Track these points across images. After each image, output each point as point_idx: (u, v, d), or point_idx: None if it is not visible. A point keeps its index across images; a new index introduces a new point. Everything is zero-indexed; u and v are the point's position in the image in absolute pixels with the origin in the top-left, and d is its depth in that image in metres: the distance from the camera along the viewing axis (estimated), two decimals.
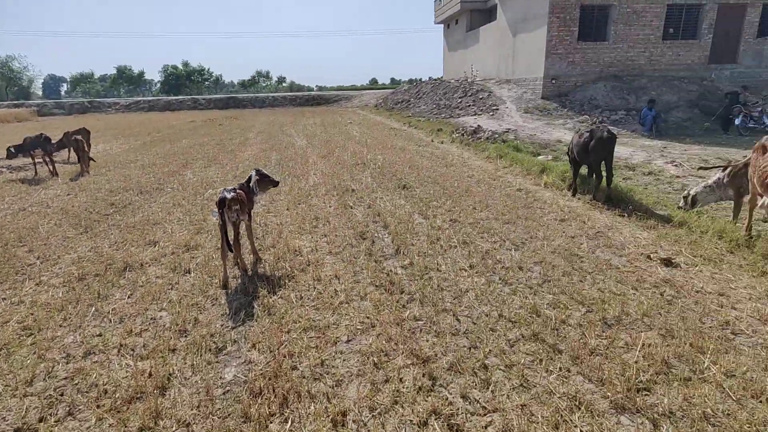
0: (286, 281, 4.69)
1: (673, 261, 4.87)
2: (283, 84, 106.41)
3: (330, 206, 7.56)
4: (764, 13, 19.35)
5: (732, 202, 6.01)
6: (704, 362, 3.15)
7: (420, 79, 35.07)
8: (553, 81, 19.62)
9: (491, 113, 20.10)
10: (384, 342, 3.57)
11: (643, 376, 3.05)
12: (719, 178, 5.98)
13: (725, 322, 3.69)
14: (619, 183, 8.04)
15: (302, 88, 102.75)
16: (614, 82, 19.41)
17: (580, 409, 2.79)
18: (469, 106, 22.36)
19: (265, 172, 5.45)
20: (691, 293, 4.20)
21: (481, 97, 22.84)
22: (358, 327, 3.82)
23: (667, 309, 3.92)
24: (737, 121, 15.34)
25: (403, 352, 3.43)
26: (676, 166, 10.65)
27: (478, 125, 16.19)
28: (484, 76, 26.35)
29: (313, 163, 11.69)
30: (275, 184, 5.47)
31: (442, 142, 15.07)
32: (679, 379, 3.01)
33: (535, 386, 3.03)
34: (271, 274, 4.89)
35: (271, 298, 4.35)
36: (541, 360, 3.28)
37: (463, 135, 15.40)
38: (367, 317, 3.96)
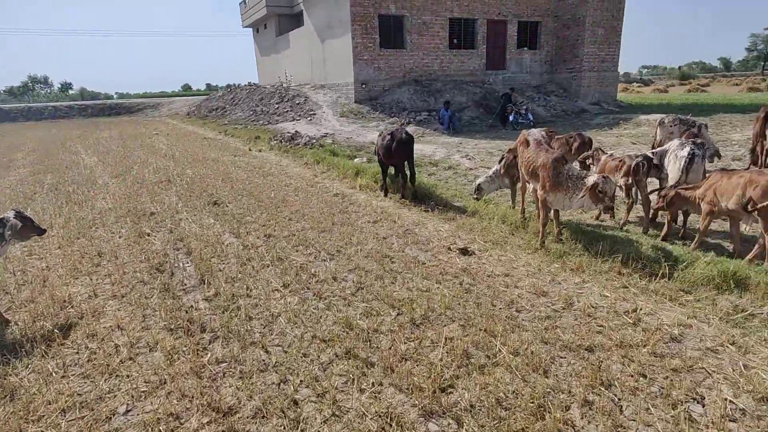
0: (44, 347, 3.65)
1: (468, 250, 5.33)
2: (71, 91, 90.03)
3: (120, 236, 6.37)
4: (520, 29, 23.59)
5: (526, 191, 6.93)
6: (496, 346, 3.41)
7: (238, 85, 33.27)
8: (363, 85, 20.58)
9: (309, 118, 20.10)
10: (176, 401, 2.98)
11: (447, 372, 3.13)
12: (497, 169, 6.85)
13: (510, 301, 4.11)
14: (424, 179, 8.66)
15: (98, 95, 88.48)
16: (416, 86, 21.32)
17: (391, 425, 2.69)
18: (287, 111, 22.01)
19: (29, 215, 4.21)
20: (483, 278, 4.61)
21: (298, 102, 22.69)
22: (143, 389, 3.13)
23: (466, 298, 4.21)
24: (511, 118, 18.32)
25: (199, 409, 2.90)
26: (469, 159, 12.08)
27: (296, 131, 15.96)
28: (300, 82, 26.30)
29: (103, 185, 9.87)
30: (40, 232, 4.27)
31: (260, 150, 14.39)
32: (476, 368, 3.17)
33: (347, 412, 2.84)
34: (21, 341, 3.75)
35: (16, 376, 3.30)
36: (354, 379, 3.12)
37: (281, 142, 14.97)
38: (156, 373, 3.28)
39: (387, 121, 19.20)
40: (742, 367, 3.05)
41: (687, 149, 5.85)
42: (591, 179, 4.77)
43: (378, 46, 20.35)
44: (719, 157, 9.55)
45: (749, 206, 4.38)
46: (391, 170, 8.47)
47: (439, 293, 4.28)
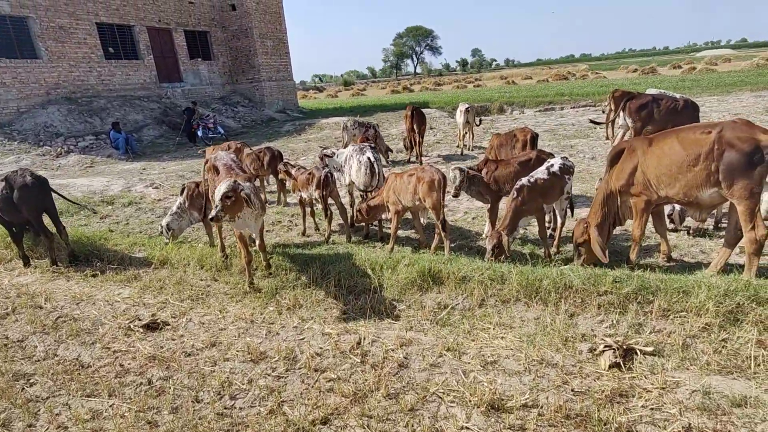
0: None
1: (158, 321, 4.01)
2: None
3: None
4: (188, 38, 22.02)
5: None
6: None
7: None
8: None
9: None
10: None
11: None
12: (181, 202, 5.63)
13: (221, 386, 3.12)
14: (91, 229, 6.53)
15: None
16: (70, 105, 17.05)
17: None
18: None
19: None
20: (182, 363, 3.44)
21: None
22: None
23: (157, 408, 2.96)
24: (200, 133, 16.87)
25: None
26: (156, 188, 10.19)
27: None
28: None
29: None
30: None
31: None
32: None
33: None
34: None
35: None
36: None
37: None
38: None
39: (35, 152, 14.66)
40: (463, 375, 3.03)
41: (366, 155, 6.11)
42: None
43: None
44: (390, 151, 10.86)
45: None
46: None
47: (114, 416, 2.89)
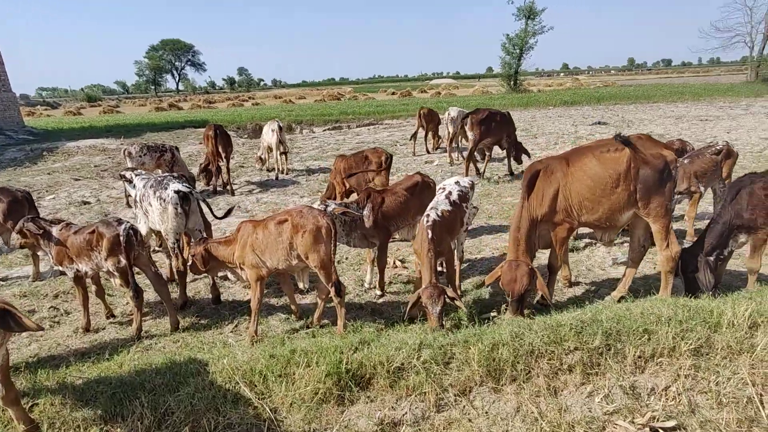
0: None
1: None
2: None
3: None
4: None
5: None
6: None
7: None
8: None
9: None
10: None
11: None
12: None
13: None
14: None
15: None
16: None
17: None
18: None
19: None
20: None
21: None
22: None
23: None
24: None
25: None
26: None
27: None
28: None
29: None
30: None
31: None
32: None
33: None
34: None
35: None
36: None
37: None
38: None
39: None
40: None
41: (171, 189, 4.16)
42: None
43: None
44: (196, 180, 8.57)
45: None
46: None
47: None
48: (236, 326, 3.95)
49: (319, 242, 3.28)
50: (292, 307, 3.92)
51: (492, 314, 3.83)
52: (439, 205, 3.73)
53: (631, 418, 2.53)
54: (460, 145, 10.83)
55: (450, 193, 3.92)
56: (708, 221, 4.05)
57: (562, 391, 2.81)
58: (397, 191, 4.21)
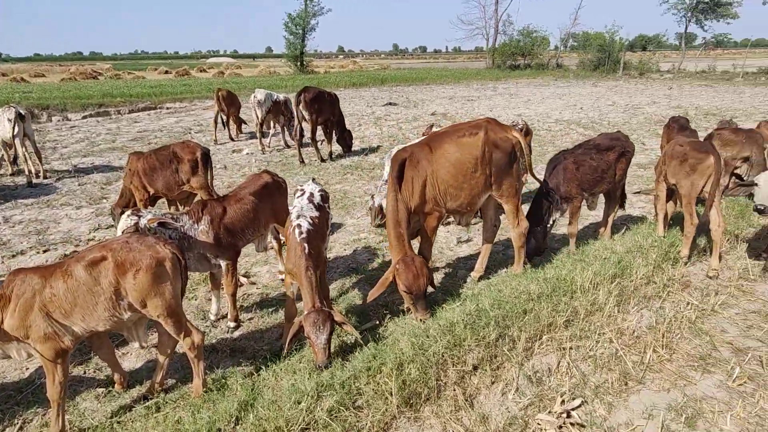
0: None
1: None
2: None
3: None
4: None
5: None
6: None
7: None
8: None
9: None
10: None
11: None
12: None
13: None
14: None
15: None
16: None
17: None
18: None
19: None
20: None
21: None
22: None
23: None
24: None
25: None
26: None
27: None
28: None
29: None
30: None
31: None
32: None
33: None
34: None
35: None
36: None
37: None
38: None
39: None
40: None
41: None
42: None
43: None
44: None
45: None
46: None
47: None
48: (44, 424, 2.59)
49: (162, 282, 2.31)
50: (115, 376, 2.77)
51: (371, 324, 3.47)
52: (305, 211, 3.10)
53: (549, 409, 2.53)
54: (273, 130, 9.97)
55: (312, 195, 3.32)
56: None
57: (477, 396, 2.66)
58: (242, 197, 3.37)
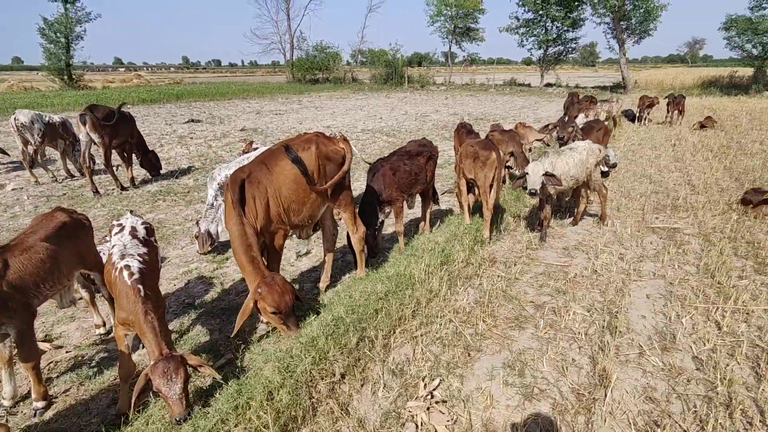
0: None
1: None
2: None
3: None
4: None
5: None
6: None
7: None
8: None
9: None
10: None
11: None
12: None
13: None
14: None
15: None
16: None
17: None
18: None
19: None
20: None
21: None
22: None
23: None
24: None
25: None
26: None
27: None
28: None
29: None
30: None
31: None
32: None
33: None
34: None
35: None
36: None
37: None
38: None
39: None
40: None
41: None
42: None
43: None
44: None
45: None
46: None
47: None
48: None
49: None
50: None
51: (225, 359, 3.19)
52: (130, 249, 2.64)
53: (415, 396, 2.75)
54: (44, 158, 8.12)
55: (134, 229, 2.85)
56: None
57: (350, 403, 2.72)
58: (31, 244, 2.68)
